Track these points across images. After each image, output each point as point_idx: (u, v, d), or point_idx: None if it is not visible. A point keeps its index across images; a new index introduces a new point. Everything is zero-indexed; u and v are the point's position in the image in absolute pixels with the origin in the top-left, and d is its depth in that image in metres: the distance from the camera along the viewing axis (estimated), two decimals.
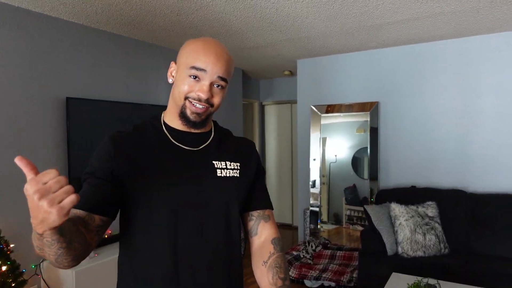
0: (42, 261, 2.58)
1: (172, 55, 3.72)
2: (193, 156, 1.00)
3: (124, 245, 1.00)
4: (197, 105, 0.95)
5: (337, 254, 3.62)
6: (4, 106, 2.44)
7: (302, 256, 3.64)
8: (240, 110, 4.84)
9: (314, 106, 4.18)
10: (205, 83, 0.94)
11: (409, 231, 2.92)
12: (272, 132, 5.82)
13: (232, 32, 3.17)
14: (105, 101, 2.99)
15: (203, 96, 0.94)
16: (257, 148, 5.69)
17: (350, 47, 3.78)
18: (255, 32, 3.18)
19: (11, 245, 2.28)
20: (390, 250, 2.93)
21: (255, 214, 1.08)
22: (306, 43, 3.60)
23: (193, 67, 0.94)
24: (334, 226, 4.11)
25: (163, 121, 1.04)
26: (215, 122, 1.12)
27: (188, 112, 0.96)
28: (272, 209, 1.13)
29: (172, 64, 1.02)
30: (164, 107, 1.07)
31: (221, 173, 1.01)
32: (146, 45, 3.47)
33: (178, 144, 0.99)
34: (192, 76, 0.94)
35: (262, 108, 5.85)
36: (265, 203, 1.11)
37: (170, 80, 1.01)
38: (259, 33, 3.21)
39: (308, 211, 4.22)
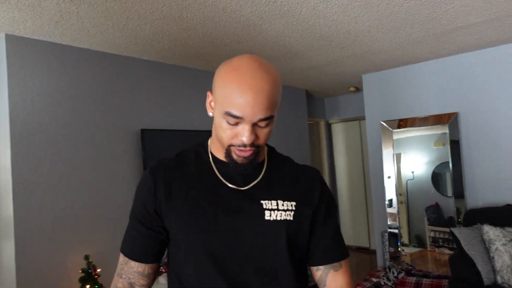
0: None
1: None
2: (238, 196, 0.88)
3: (170, 281, 0.95)
4: (242, 149, 0.84)
5: (423, 282, 3.28)
6: (85, 141, 2.68)
7: (383, 284, 3.37)
8: (306, 131, 4.76)
9: (384, 121, 3.95)
10: (246, 127, 0.80)
11: (508, 257, 2.54)
12: (341, 151, 5.62)
13: (293, 53, 3.16)
14: (177, 130, 3.14)
15: (247, 142, 0.81)
16: (326, 168, 5.54)
17: (419, 57, 3.54)
18: (315, 51, 3.14)
19: (98, 270, 2.45)
20: (486, 279, 2.57)
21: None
22: (370, 57, 3.46)
23: (229, 114, 0.79)
24: (417, 249, 3.76)
25: (210, 150, 0.94)
26: (271, 150, 0.99)
27: (235, 156, 0.85)
28: (347, 256, 0.95)
29: (209, 95, 0.90)
30: None
31: (270, 215, 0.86)
32: (211, 74, 3.60)
33: (223, 180, 0.89)
34: (229, 122, 0.81)
35: (328, 126, 5.71)
36: (336, 255, 0.93)
37: (210, 114, 0.90)
38: (320, 52, 3.16)
39: (387, 233, 3.93)
